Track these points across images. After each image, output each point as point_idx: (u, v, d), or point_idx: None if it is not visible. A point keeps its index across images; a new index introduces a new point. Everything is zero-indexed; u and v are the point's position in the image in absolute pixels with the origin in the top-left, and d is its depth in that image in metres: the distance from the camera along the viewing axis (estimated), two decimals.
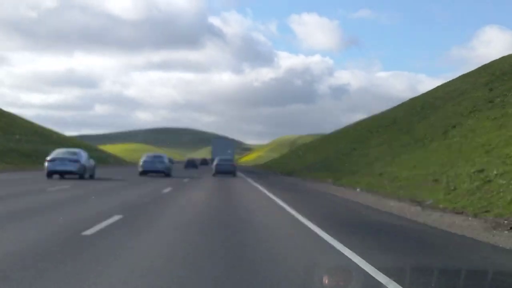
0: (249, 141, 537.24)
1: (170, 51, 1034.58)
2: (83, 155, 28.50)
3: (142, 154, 42.47)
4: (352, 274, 5.82)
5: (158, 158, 36.95)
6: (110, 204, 13.20)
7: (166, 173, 35.72)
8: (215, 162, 42.14)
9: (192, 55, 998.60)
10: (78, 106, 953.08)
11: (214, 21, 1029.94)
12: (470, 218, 12.96)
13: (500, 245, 8.62)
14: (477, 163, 21.11)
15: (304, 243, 8.14)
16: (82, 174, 27.40)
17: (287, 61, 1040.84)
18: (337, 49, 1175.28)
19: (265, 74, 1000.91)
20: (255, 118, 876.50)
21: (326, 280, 5.40)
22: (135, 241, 7.76)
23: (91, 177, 29.01)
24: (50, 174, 27.22)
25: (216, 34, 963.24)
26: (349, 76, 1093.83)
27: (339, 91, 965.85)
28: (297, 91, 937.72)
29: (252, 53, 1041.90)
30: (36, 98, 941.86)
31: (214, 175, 39.85)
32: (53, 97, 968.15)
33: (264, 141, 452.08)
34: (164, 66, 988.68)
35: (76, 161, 27.28)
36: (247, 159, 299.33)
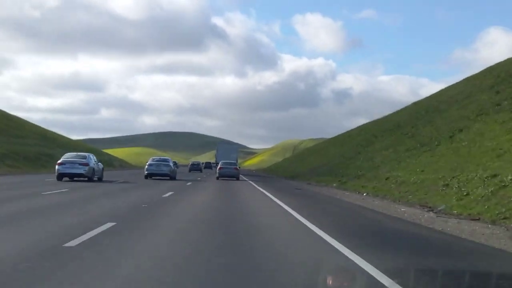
0: (252, 145, 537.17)
1: (174, 53, 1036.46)
2: (92, 159, 29.66)
3: (147, 157, 44.03)
4: None
5: (163, 161, 37.48)
6: (104, 210, 12.46)
7: (171, 177, 36.26)
8: (218, 166, 42.26)
9: (195, 58, 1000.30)
10: (84, 110, 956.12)
11: (218, 21, 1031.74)
12: (489, 226, 12.26)
13: None
14: (489, 167, 20.39)
15: (323, 258, 7.34)
16: (90, 176, 28.37)
17: (290, 64, 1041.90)
18: (340, 51, 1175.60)
19: (268, 78, 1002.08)
20: (258, 122, 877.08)
21: None
22: (124, 255, 6.79)
23: (100, 179, 29.97)
24: (60, 177, 28.13)
25: (219, 35, 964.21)
26: (351, 80, 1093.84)
27: (342, 95, 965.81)
28: (300, 95, 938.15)
29: (255, 56, 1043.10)
30: (42, 101, 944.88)
31: (217, 178, 39.82)
32: (59, 101, 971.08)
33: (267, 145, 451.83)
34: (168, 69, 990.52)
35: (85, 164, 28.31)
36: (251, 163, 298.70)
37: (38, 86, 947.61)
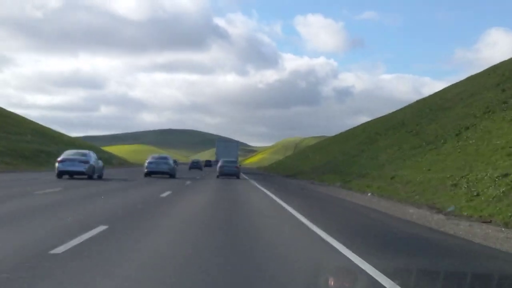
0: (253, 143, 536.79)
1: (175, 52, 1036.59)
2: (92, 156, 29.49)
3: (146, 155, 42.92)
4: None
5: (163, 159, 37.24)
6: (97, 211, 11.71)
7: (170, 174, 36.10)
8: (219, 164, 41.76)
9: (196, 57, 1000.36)
10: (83, 107, 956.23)
11: (219, 22, 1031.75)
12: (503, 229, 11.54)
13: None
14: (499, 166, 19.66)
15: (333, 267, 6.65)
16: (91, 174, 28.16)
17: (291, 63, 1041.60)
18: (342, 51, 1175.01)
19: (270, 76, 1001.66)
20: (259, 120, 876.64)
21: None
22: (113, 265, 6.08)
23: (100, 177, 29.74)
24: (60, 174, 27.88)
25: (221, 35, 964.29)
26: (353, 79, 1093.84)
27: (343, 94, 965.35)
28: (301, 93, 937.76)
29: (256, 55, 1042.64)
30: (42, 99, 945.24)
31: (218, 177, 39.35)
32: (59, 98, 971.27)
33: (268, 143, 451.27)
34: (169, 67, 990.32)
35: (86, 162, 28.12)
36: (251, 161, 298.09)
37: (37, 84, 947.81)
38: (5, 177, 28.46)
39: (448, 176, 21.96)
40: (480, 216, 14.33)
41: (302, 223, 11.17)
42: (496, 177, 17.82)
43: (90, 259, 6.31)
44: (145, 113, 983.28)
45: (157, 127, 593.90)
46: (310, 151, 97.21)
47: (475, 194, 17.34)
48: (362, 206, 17.95)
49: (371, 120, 78.99)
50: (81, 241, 7.39)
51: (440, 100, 54.06)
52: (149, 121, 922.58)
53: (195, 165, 74.84)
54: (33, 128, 75.20)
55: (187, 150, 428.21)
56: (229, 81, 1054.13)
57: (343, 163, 49.14)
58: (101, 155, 56.03)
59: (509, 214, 13.55)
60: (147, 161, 36.91)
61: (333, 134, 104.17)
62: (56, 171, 27.88)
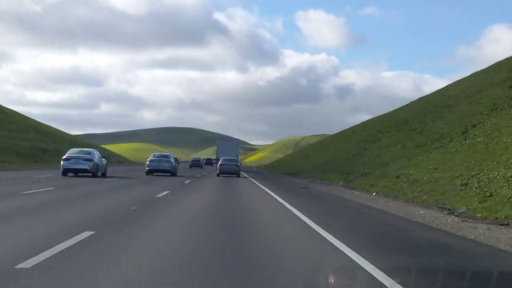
0: (254, 141, 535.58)
1: (175, 48, 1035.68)
2: (96, 154, 30.27)
3: (147, 153, 44.83)
4: None
5: (164, 157, 37.49)
6: (86, 214, 10.76)
7: (172, 173, 36.30)
8: (219, 163, 41.58)
9: (197, 53, 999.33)
10: (84, 104, 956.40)
11: (220, 17, 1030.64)
12: None
13: None
14: (511, 166, 18.80)
15: (348, 279, 5.80)
16: (94, 172, 28.92)
17: (292, 59, 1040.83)
18: (343, 47, 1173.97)
19: (270, 73, 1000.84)
20: (259, 118, 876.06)
21: None
22: (90, 283, 5.00)
23: (103, 175, 30.51)
24: (65, 172, 28.66)
25: (221, 30, 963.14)
26: (354, 76, 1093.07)
27: (344, 91, 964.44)
28: (302, 90, 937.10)
29: (257, 51, 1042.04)
30: (42, 96, 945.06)
31: (218, 175, 39.04)
32: (59, 95, 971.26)
33: (269, 141, 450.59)
34: (169, 64, 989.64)
35: (90, 160, 28.86)
36: (252, 159, 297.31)
37: (37, 80, 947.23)
38: None
39: (457, 175, 21.07)
40: (496, 218, 13.46)
41: (308, 225, 10.29)
42: (510, 177, 16.94)
43: (62, 276, 5.35)
44: (145, 111, 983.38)
45: (157, 125, 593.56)
46: (311, 149, 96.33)
47: (488, 194, 16.45)
48: (368, 206, 17.05)
49: (373, 118, 78.13)
50: (58, 251, 6.42)
51: (444, 97, 53.22)
52: (150, 119, 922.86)
53: (195, 164, 75.00)
54: (29, 125, 74.22)
55: (188, 148, 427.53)
56: (230, 78, 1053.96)
57: (344, 162, 48.28)
58: (100, 153, 55.19)
59: None
60: (148, 160, 37.15)
61: (334, 132, 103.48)
62: (61, 169, 28.70)
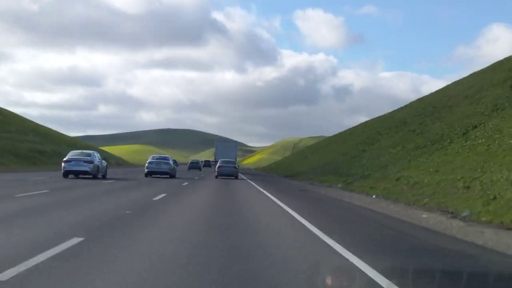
0: (252, 143, 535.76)
1: (173, 48, 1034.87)
2: (96, 156, 30.91)
3: (145, 155, 45.44)
4: None
5: (163, 159, 37.65)
6: (77, 218, 10.30)
7: (170, 175, 36.37)
8: (217, 165, 41.69)
9: (195, 53, 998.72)
10: (82, 106, 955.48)
11: (218, 16, 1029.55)
12: None
13: None
14: None
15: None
16: (95, 174, 29.49)
17: (290, 59, 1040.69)
18: (341, 47, 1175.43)
19: (268, 73, 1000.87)
20: (257, 119, 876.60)
21: None
22: None
23: (104, 177, 31.05)
24: (66, 174, 29.15)
25: (219, 30, 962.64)
26: (352, 76, 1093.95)
27: (342, 92, 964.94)
28: (300, 91, 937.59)
29: (255, 51, 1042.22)
30: (40, 97, 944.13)
31: (216, 177, 39.04)
32: (57, 96, 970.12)
33: (267, 143, 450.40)
34: (167, 64, 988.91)
35: (90, 162, 29.38)
36: (250, 161, 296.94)
37: (36, 81, 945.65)
38: None
39: (458, 177, 20.70)
40: (502, 223, 13.07)
41: (309, 230, 9.91)
42: None
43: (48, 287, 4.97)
44: (144, 112, 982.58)
45: (156, 127, 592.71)
46: (309, 151, 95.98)
47: (491, 197, 16.06)
48: (370, 210, 16.68)
49: (371, 120, 77.78)
50: (42, 260, 5.99)
51: (443, 98, 52.89)
52: (148, 120, 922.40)
53: (194, 166, 75.32)
54: (26, 126, 73.71)
55: (186, 150, 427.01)
56: (228, 78, 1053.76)
57: (343, 164, 47.90)
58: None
59: None
60: (147, 162, 37.41)
61: (331, 134, 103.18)
62: (62, 171, 29.18)
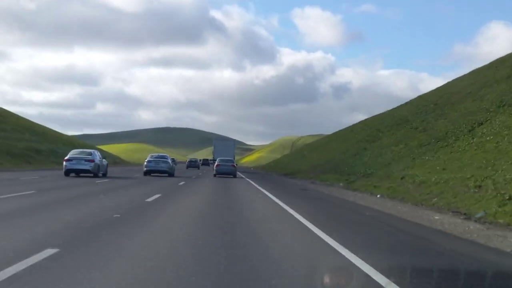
0: (250, 141, 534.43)
1: (171, 46, 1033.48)
2: (97, 155, 31.33)
3: (143, 154, 46.00)
4: None
5: (162, 158, 37.67)
6: (58, 224, 9.14)
7: (169, 173, 36.26)
8: (215, 163, 41.46)
9: (193, 51, 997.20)
10: (80, 104, 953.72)
11: (216, 14, 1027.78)
12: None
13: None
14: None
15: None
16: (96, 172, 29.76)
17: (288, 57, 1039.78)
18: (340, 45, 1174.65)
19: (266, 72, 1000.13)
20: (256, 118, 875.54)
21: None
22: None
23: (104, 175, 31.25)
24: (68, 172, 29.42)
25: (217, 28, 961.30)
26: (351, 74, 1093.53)
27: (341, 90, 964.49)
28: (298, 89, 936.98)
29: (253, 49, 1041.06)
30: (38, 96, 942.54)
31: (214, 175, 38.78)
32: (55, 95, 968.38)
33: (265, 142, 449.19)
34: (165, 62, 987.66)
35: (91, 160, 29.69)
36: (248, 159, 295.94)
37: (33, 80, 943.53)
38: None
39: (468, 176, 19.73)
40: None
41: (317, 236, 8.92)
42: None
43: None
44: (142, 111, 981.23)
45: (154, 125, 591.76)
46: (308, 149, 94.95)
47: (506, 197, 15.10)
48: (377, 211, 15.67)
49: (370, 118, 76.82)
50: (4, 278, 5.01)
51: (445, 95, 51.98)
52: (146, 119, 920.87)
53: (192, 164, 75.33)
54: (21, 125, 72.58)
55: (184, 148, 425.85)
56: (226, 76, 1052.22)
57: (344, 162, 46.92)
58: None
59: None
60: (146, 160, 37.31)
61: (330, 132, 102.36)
62: (64, 170, 29.45)
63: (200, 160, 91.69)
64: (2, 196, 14.20)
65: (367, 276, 5.86)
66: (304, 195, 22.17)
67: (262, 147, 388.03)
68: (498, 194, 15.75)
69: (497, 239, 9.62)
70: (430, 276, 6.09)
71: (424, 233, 10.42)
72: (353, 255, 7.05)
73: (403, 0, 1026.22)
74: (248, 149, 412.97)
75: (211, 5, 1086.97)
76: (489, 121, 29.65)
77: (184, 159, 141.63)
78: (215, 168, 40.12)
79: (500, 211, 14.15)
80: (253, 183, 31.96)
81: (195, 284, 5.35)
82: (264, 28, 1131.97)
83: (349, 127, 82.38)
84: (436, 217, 13.75)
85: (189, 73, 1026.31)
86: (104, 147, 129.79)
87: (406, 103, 66.02)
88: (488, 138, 25.53)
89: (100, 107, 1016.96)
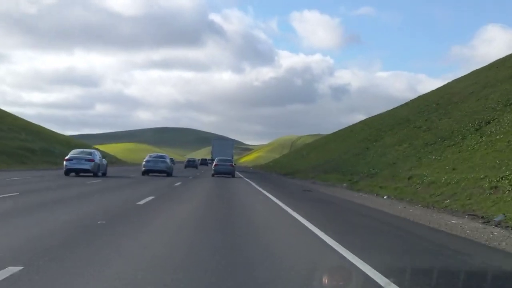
0: (249, 141, 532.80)
1: (171, 49, 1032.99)
2: (97, 155, 31.72)
3: (141, 154, 46.27)
4: None
5: (160, 158, 37.68)
6: (28, 234, 7.77)
7: (167, 173, 36.27)
8: (214, 163, 41.04)
9: (192, 53, 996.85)
10: (79, 105, 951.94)
11: (215, 18, 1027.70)
12: None
13: None
14: None
15: None
16: (96, 172, 30.05)
17: (287, 60, 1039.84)
18: (338, 48, 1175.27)
19: (265, 73, 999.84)
20: (255, 118, 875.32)
21: None
22: None
23: (104, 174, 31.55)
24: (68, 172, 29.72)
25: (216, 31, 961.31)
26: (349, 76, 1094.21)
27: (340, 91, 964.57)
28: (297, 90, 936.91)
29: (252, 52, 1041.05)
30: (37, 97, 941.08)
31: (213, 175, 38.47)
32: (54, 96, 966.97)
33: (264, 141, 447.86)
34: (165, 64, 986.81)
35: (91, 160, 29.97)
36: (247, 159, 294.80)
37: (33, 81, 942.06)
38: None
39: (481, 176, 18.60)
40: None
41: (331, 247, 7.77)
42: None
43: None
44: (141, 111, 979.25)
45: (152, 126, 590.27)
46: (308, 149, 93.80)
47: None
48: (388, 214, 14.53)
49: (369, 118, 75.83)
50: None
51: (446, 95, 51.04)
52: (145, 119, 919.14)
53: (191, 164, 74.53)
54: (16, 124, 71.34)
55: (183, 148, 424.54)
56: (225, 78, 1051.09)
57: (345, 162, 45.84)
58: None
59: None
60: (144, 160, 37.28)
61: (329, 132, 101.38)
62: (64, 169, 29.74)
63: (199, 160, 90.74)
64: None
65: None
66: (308, 197, 21.01)
67: (260, 147, 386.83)
68: None
69: None
70: None
71: (447, 240, 9.26)
72: (377, 273, 5.89)
73: (401, 3, 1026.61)
74: (247, 149, 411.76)
75: (210, 9, 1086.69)
76: (496, 119, 28.64)
77: (182, 159, 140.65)
78: (213, 168, 39.80)
79: None
80: (252, 183, 30.83)
81: None
82: (263, 31, 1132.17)
83: (349, 127, 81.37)
84: (454, 221, 12.62)
85: (188, 75, 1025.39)
86: (101, 147, 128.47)
87: (405, 104, 65.16)
88: (498, 136, 24.45)
89: (99, 108, 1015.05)
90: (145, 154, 41.75)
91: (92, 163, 29.78)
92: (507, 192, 15.59)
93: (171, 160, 42.98)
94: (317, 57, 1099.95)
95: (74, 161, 29.67)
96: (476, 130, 28.98)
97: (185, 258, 6.79)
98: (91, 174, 29.64)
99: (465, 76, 57.93)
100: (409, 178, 24.64)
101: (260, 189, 24.88)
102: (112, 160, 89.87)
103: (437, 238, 9.47)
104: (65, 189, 18.94)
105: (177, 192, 20.31)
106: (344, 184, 31.45)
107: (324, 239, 8.48)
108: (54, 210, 11.39)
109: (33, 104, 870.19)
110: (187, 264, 6.31)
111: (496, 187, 16.63)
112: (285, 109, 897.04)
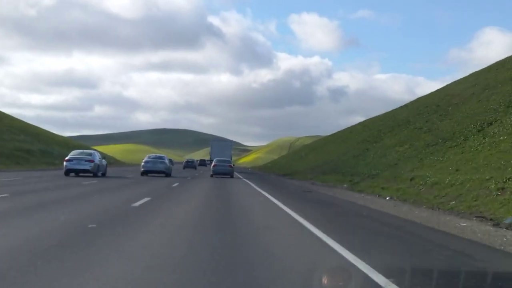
0: (248, 142, 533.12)
1: (169, 51, 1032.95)
2: (97, 156, 32.09)
3: (140, 155, 46.69)
4: None
5: (159, 159, 37.92)
6: (13, 240, 7.14)
7: (166, 173, 36.56)
8: (212, 164, 41.24)
9: (191, 56, 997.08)
10: (78, 107, 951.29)
11: (214, 20, 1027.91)
12: None
13: None
14: None
15: None
16: (95, 172, 30.34)
17: (286, 62, 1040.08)
18: (337, 50, 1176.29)
19: (264, 76, 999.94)
20: (253, 119, 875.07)
21: None
22: None
23: (103, 175, 31.93)
24: (68, 172, 30.02)
25: (215, 34, 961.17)
26: (347, 78, 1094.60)
27: (338, 93, 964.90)
28: (295, 93, 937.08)
29: (251, 54, 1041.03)
30: (36, 98, 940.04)
31: (211, 176, 38.68)
32: (53, 98, 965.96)
33: (263, 143, 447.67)
34: (163, 66, 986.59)
35: (91, 161, 30.29)
36: (246, 160, 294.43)
37: (31, 83, 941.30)
38: None
39: (487, 177, 18.18)
40: None
41: (341, 255, 7.31)
42: None
43: None
44: (140, 113, 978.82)
45: (151, 127, 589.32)
46: (306, 150, 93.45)
47: None
48: (394, 216, 14.08)
49: (368, 119, 75.53)
50: None
51: (446, 97, 50.72)
52: (144, 121, 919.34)
53: (189, 165, 75.47)
54: (13, 126, 70.81)
55: (181, 149, 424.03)
56: (224, 80, 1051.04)
57: (344, 163, 45.47)
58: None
59: None
60: (143, 161, 37.62)
61: (328, 133, 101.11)
62: (64, 169, 30.03)
63: (197, 160, 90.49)
64: None
65: None
66: (308, 198, 20.56)
67: (259, 148, 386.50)
68: None
69: None
70: None
71: (461, 246, 8.78)
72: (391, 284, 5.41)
73: (399, 6, 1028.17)
74: (245, 150, 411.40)
75: (209, 11, 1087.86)
76: (499, 121, 28.26)
77: (181, 160, 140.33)
78: (212, 168, 39.88)
79: None
80: (252, 184, 30.39)
81: None
82: (261, 34, 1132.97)
83: (348, 128, 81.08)
84: (463, 224, 12.17)
85: (187, 77, 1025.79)
86: (100, 148, 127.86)
87: (405, 106, 64.89)
88: (501, 138, 24.05)
89: (98, 110, 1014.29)
90: (144, 155, 41.97)
91: (92, 164, 30.10)
92: None
93: (170, 161, 43.14)
94: (316, 59, 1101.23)
95: (74, 162, 30.00)
96: (479, 131, 28.59)
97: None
98: (91, 175, 29.91)
99: (464, 78, 57.75)
100: (411, 179, 24.23)
101: (259, 189, 24.44)
102: (111, 160, 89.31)
103: (450, 243, 8.96)
104: (58, 190, 18.45)
105: (175, 193, 19.83)
106: (345, 185, 31.03)
107: (334, 247, 7.89)
108: (42, 213, 10.73)
109: (31, 106, 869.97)
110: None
111: (503, 188, 16.20)
112: (284, 111, 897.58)
